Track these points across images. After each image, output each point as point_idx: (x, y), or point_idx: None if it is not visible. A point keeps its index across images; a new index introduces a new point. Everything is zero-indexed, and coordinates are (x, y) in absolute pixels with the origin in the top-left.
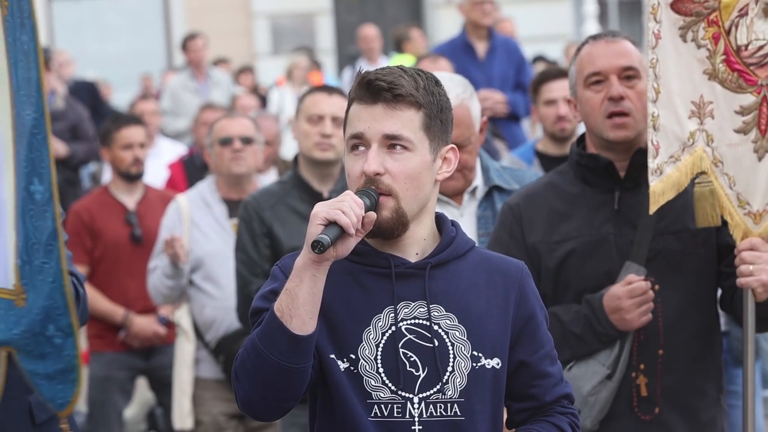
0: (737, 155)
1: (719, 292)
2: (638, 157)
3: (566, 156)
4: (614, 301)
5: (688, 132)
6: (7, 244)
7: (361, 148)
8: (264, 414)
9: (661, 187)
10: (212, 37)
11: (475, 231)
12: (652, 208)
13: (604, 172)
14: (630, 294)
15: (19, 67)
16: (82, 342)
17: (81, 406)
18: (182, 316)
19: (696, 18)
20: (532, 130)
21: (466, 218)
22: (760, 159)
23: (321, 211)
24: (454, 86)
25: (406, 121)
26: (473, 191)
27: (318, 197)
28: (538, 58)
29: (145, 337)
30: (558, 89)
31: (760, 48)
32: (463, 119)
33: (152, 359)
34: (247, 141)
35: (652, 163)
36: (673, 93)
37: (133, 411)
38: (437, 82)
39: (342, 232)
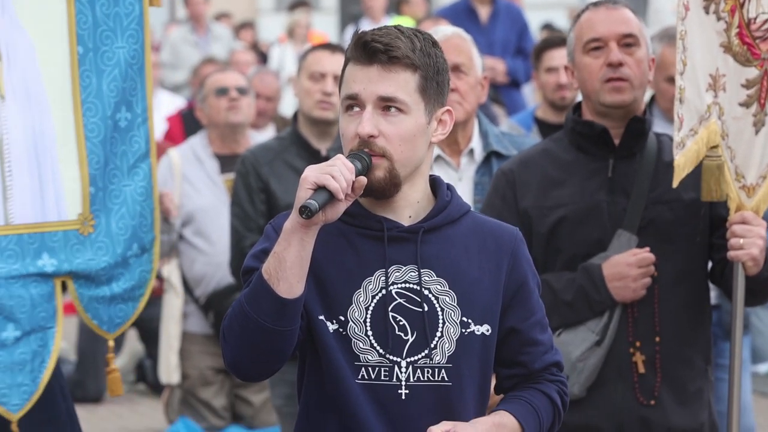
0: (739, 128)
1: (710, 264)
2: (634, 125)
3: None
4: (619, 269)
5: (705, 105)
6: (61, 178)
7: (356, 109)
8: (251, 375)
9: (683, 161)
10: None
11: (471, 197)
12: (675, 181)
13: (598, 140)
14: (639, 263)
15: (100, 4)
16: None
17: (70, 354)
18: (171, 271)
19: None
20: (535, 96)
21: (464, 183)
22: (756, 132)
23: (310, 175)
24: (455, 28)
25: (402, 84)
26: (471, 153)
27: (316, 155)
28: (546, 26)
29: None
30: (560, 57)
31: (766, 21)
32: (462, 46)
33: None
34: (242, 91)
35: (677, 136)
36: (696, 66)
37: (122, 361)
38: (434, 43)
39: (331, 197)
